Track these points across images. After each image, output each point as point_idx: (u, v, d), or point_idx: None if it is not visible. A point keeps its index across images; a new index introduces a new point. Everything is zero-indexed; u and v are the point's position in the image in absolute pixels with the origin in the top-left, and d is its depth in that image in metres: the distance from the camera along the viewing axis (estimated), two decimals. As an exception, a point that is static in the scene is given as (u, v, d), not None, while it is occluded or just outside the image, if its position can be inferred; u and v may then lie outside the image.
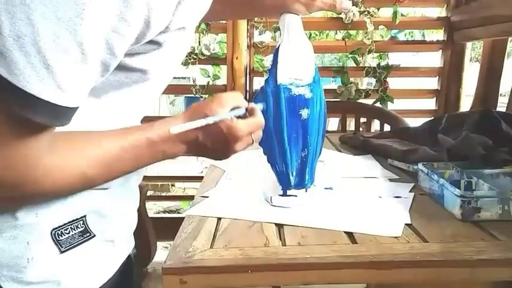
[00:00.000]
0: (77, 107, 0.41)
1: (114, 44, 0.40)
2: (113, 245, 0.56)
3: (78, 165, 0.46)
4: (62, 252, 0.49)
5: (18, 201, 0.46)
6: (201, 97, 2.08)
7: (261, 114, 0.61)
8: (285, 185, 0.82)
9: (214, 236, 0.70)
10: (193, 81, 2.09)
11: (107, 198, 0.54)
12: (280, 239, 0.69)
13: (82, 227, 0.51)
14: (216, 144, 0.57)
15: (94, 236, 0.52)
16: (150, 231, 1.84)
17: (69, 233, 0.49)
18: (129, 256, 0.61)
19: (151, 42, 0.47)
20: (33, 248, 0.47)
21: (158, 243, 1.92)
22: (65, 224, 0.49)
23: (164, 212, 2.94)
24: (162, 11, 0.43)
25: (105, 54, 0.40)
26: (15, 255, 0.46)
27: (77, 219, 0.50)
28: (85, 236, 0.51)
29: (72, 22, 0.36)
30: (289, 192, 0.82)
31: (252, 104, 0.61)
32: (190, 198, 0.94)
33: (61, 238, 0.49)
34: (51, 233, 0.48)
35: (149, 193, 2.83)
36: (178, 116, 0.56)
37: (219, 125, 0.56)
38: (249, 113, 0.60)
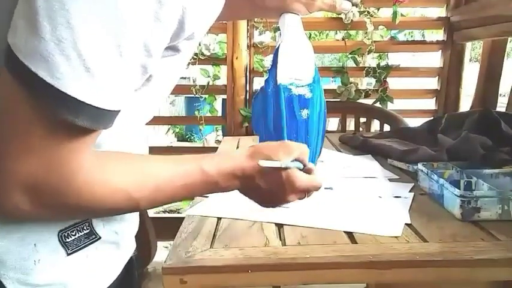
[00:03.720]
0: (119, 110, 0.41)
1: (151, 45, 0.40)
2: (117, 247, 0.56)
3: (123, 183, 0.46)
4: (68, 254, 0.49)
5: (66, 213, 0.46)
6: (201, 97, 2.09)
7: (320, 177, 0.61)
8: (285, 185, 0.82)
9: (214, 235, 0.71)
10: (193, 81, 2.09)
11: None
12: (280, 238, 0.70)
13: (88, 229, 0.51)
14: (271, 188, 0.57)
15: (99, 238, 0.52)
16: (150, 231, 1.84)
17: (75, 235, 0.49)
18: (130, 258, 0.61)
19: (171, 47, 0.47)
20: (41, 250, 0.47)
21: (158, 243, 1.92)
22: (71, 226, 0.49)
23: (164, 211, 2.94)
24: (196, 13, 0.43)
25: (142, 55, 0.40)
26: (22, 257, 0.46)
27: (83, 221, 0.50)
28: (91, 238, 0.51)
29: (111, 25, 0.37)
30: (289, 192, 0.82)
31: (311, 165, 0.61)
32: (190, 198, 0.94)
33: (68, 240, 0.48)
34: (58, 234, 0.48)
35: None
36: (241, 152, 0.57)
37: (280, 171, 0.56)
38: (306, 171, 0.60)
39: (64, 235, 0.48)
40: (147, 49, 0.40)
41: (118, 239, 0.55)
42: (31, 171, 0.39)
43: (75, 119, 0.37)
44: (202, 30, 0.49)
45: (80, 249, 0.50)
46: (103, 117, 0.40)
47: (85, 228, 0.50)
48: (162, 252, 1.88)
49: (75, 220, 0.49)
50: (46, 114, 0.38)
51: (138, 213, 0.62)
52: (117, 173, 0.46)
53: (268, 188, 0.57)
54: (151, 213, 2.70)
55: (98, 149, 0.50)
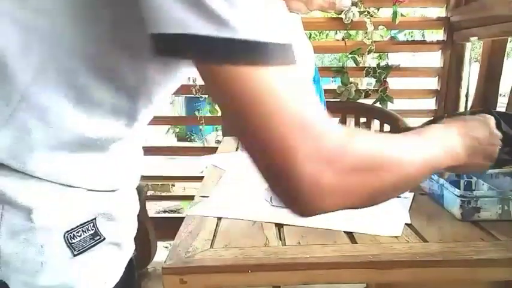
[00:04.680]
0: (291, 44, 0.38)
1: None
2: (119, 248, 0.56)
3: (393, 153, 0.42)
4: (74, 255, 0.48)
5: (369, 178, 0.40)
6: (201, 97, 2.09)
7: None
8: (285, 185, 0.82)
9: (214, 235, 0.71)
10: (194, 81, 2.09)
11: (113, 201, 0.54)
12: (280, 238, 0.70)
13: (92, 229, 0.50)
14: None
15: (104, 239, 0.52)
16: (150, 231, 1.84)
17: (80, 235, 0.49)
18: (130, 259, 0.61)
19: None
20: (47, 251, 0.46)
21: (158, 243, 1.92)
22: (77, 227, 0.48)
23: (164, 212, 2.94)
24: None
25: None
26: (29, 259, 0.45)
27: (88, 221, 0.50)
28: (95, 238, 0.51)
29: None
30: (289, 192, 0.82)
31: None
32: (191, 198, 0.94)
33: (73, 241, 0.48)
34: (64, 236, 0.47)
35: (149, 193, 2.82)
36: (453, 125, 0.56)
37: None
38: None
39: (70, 236, 0.48)
40: None
41: (120, 240, 0.55)
42: (301, 140, 0.35)
43: (270, 60, 0.35)
44: None
45: (86, 250, 0.49)
46: (288, 51, 0.37)
47: (89, 229, 0.50)
48: (162, 252, 1.88)
49: (81, 221, 0.49)
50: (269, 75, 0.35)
51: (136, 214, 0.62)
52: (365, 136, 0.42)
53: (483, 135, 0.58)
54: (152, 213, 2.70)
55: (105, 152, 0.49)
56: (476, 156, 0.57)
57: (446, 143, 0.52)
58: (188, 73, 0.53)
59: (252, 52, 0.34)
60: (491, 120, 0.62)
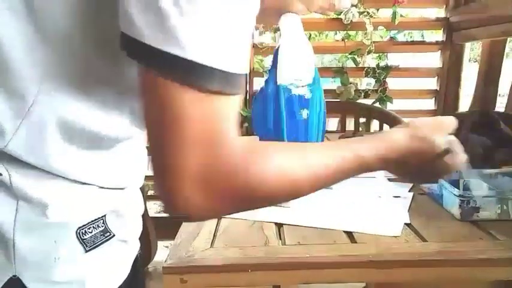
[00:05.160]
0: (246, 74, 0.40)
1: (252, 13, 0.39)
2: (127, 245, 0.56)
3: (288, 167, 0.44)
4: (86, 251, 0.49)
5: (236, 203, 0.43)
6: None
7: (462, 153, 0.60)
8: (284, 184, 0.82)
9: (215, 235, 0.71)
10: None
11: (122, 198, 0.54)
12: (280, 238, 0.70)
13: (102, 226, 0.51)
14: (423, 167, 0.56)
15: (114, 235, 0.52)
16: (151, 230, 1.84)
17: (91, 232, 0.49)
18: (136, 256, 0.62)
19: None
20: (60, 247, 0.47)
21: (159, 242, 1.92)
22: (88, 223, 0.49)
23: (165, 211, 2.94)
24: None
25: (250, 25, 0.40)
26: (43, 254, 0.46)
27: (98, 218, 0.50)
28: (106, 235, 0.51)
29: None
30: (289, 192, 0.82)
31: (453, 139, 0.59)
32: (191, 198, 0.94)
33: (85, 237, 0.49)
34: (76, 231, 0.48)
35: (150, 193, 2.81)
36: (399, 138, 0.55)
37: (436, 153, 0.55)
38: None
39: (82, 232, 0.49)
40: (251, 16, 0.39)
41: (127, 237, 0.56)
42: (194, 160, 0.38)
43: (211, 84, 0.36)
44: None
45: (97, 246, 0.50)
46: (234, 80, 0.38)
47: (100, 225, 0.51)
48: (163, 252, 1.88)
49: (92, 217, 0.50)
50: (189, 91, 0.36)
51: (141, 213, 0.63)
52: (281, 157, 0.44)
53: (420, 166, 0.56)
54: (152, 213, 2.70)
55: (118, 150, 0.50)
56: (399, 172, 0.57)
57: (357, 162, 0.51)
58: None
59: (191, 74, 0.36)
60: (454, 145, 0.58)
